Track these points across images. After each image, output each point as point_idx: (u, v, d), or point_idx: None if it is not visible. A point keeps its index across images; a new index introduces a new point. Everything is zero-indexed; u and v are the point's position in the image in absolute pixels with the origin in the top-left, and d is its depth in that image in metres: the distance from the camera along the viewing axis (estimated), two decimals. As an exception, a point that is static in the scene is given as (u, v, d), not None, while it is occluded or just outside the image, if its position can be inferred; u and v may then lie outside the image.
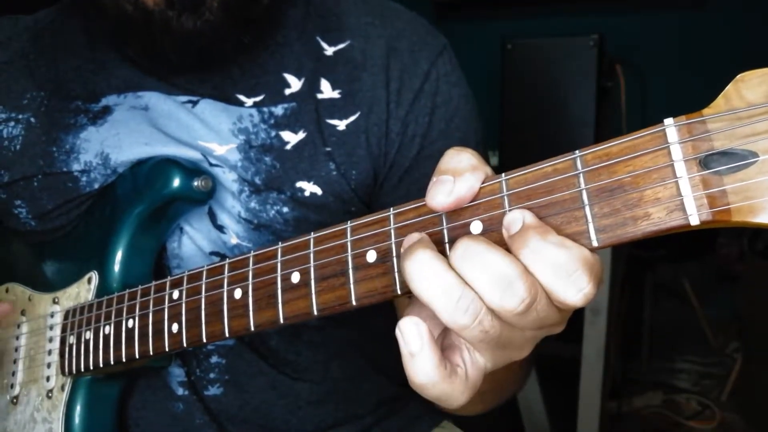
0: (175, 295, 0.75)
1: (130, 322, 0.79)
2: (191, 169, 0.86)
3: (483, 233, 0.52)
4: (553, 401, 2.48)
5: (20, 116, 0.96)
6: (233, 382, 0.94)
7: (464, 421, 1.09)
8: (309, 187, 0.89)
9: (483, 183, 0.53)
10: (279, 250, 0.65)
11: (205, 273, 0.72)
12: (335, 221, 0.62)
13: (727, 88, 0.43)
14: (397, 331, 0.51)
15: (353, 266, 0.59)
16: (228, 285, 0.69)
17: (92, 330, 0.84)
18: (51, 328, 0.92)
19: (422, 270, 0.49)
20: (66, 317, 0.89)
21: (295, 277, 0.63)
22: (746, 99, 0.42)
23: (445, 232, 0.54)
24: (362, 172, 0.91)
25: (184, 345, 0.73)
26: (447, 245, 0.54)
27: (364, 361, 1.02)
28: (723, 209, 0.43)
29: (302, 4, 0.96)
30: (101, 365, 0.82)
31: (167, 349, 0.75)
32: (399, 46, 0.93)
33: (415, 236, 0.54)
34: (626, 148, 0.47)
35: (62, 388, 0.88)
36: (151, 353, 0.77)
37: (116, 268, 0.87)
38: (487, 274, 0.48)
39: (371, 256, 0.58)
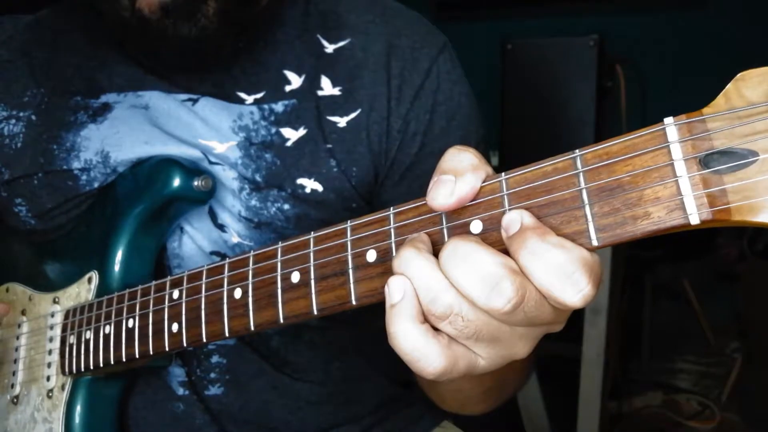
0: (176, 294, 0.75)
1: (131, 322, 0.79)
2: (191, 169, 0.86)
3: (483, 233, 0.52)
4: (553, 401, 2.48)
5: (21, 114, 0.96)
6: (234, 382, 0.94)
7: (464, 421, 1.09)
8: (310, 184, 0.89)
9: (483, 182, 0.53)
10: (279, 250, 0.65)
11: (205, 273, 0.72)
12: (336, 218, 0.62)
13: (727, 87, 0.43)
14: (386, 287, 0.52)
15: (353, 266, 0.59)
16: (228, 284, 0.69)
17: (92, 330, 0.84)
18: (51, 327, 0.92)
19: (403, 267, 0.51)
20: (66, 317, 0.89)
21: (295, 277, 0.63)
22: (746, 98, 0.42)
23: (445, 231, 0.54)
24: (363, 169, 0.91)
25: (185, 345, 0.73)
26: (447, 245, 0.54)
27: (365, 362, 1.02)
28: (723, 208, 0.43)
29: (302, 2, 0.96)
30: (101, 365, 0.82)
31: (167, 349, 0.75)
32: (399, 43, 0.93)
33: (413, 236, 0.55)
34: (626, 147, 0.47)
35: (62, 387, 0.88)
36: (152, 353, 0.77)
37: (116, 267, 0.87)
38: (473, 274, 0.48)
39: (371, 256, 0.58)
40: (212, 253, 0.91)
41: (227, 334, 0.69)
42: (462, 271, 0.48)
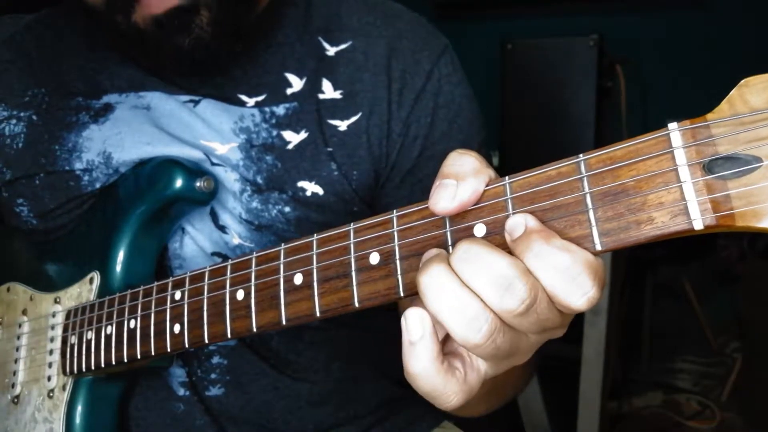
0: (177, 295, 0.75)
1: (132, 323, 0.79)
2: (194, 170, 0.86)
3: (486, 236, 0.52)
4: (553, 401, 2.48)
5: (22, 114, 0.96)
6: (234, 383, 0.94)
7: (464, 421, 1.10)
8: (310, 187, 0.89)
9: (487, 186, 0.53)
10: (282, 252, 0.65)
11: (207, 274, 0.72)
12: (337, 221, 0.62)
13: (731, 92, 0.43)
14: (402, 320, 0.51)
15: (356, 268, 0.59)
16: (230, 286, 0.69)
17: (94, 330, 0.84)
18: (52, 327, 0.92)
19: (436, 286, 0.49)
20: (67, 317, 0.89)
21: (298, 279, 0.63)
22: (750, 104, 0.42)
23: (449, 234, 0.54)
24: (363, 173, 0.91)
25: (186, 345, 0.73)
26: (450, 248, 0.54)
27: (366, 362, 1.02)
28: (727, 214, 0.43)
29: (303, 4, 0.96)
30: (103, 365, 0.82)
31: (169, 350, 0.75)
32: (400, 46, 0.93)
33: (433, 251, 0.54)
34: (630, 152, 0.47)
35: (63, 388, 0.88)
36: (153, 353, 0.77)
37: (118, 268, 0.87)
38: (486, 275, 0.48)
39: (374, 258, 0.58)
40: (213, 254, 0.91)
41: (229, 336, 0.69)
42: (473, 274, 0.48)
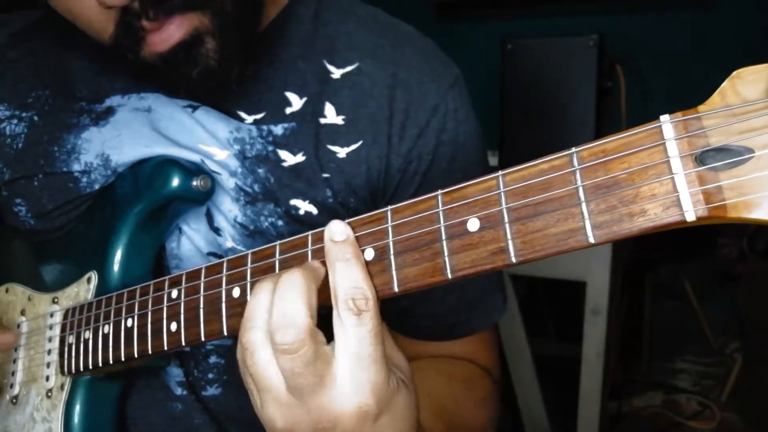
0: (174, 294, 0.75)
1: (129, 322, 0.79)
2: (191, 169, 0.86)
3: (480, 230, 0.52)
4: (553, 401, 2.48)
5: (23, 114, 0.96)
6: (232, 383, 0.94)
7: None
8: (304, 206, 0.88)
9: (479, 180, 0.53)
10: (277, 249, 0.66)
11: (203, 272, 0.72)
12: None
13: (723, 84, 0.43)
14: None
15: None
16: (226, 284, 0.69)
17: (91, 329, 0.84)
18: (50, 327, 0.92)
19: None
20: (65, 317, 0.89)
21: (293, 276, 0.63)
22: (742, 95, 0.42)
23: (443, 230, 0.54)
24: (360, 201, 0.90)
25: (183, 344, 0.73)
26: (444, 242, 0.54)
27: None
28: (719, 205, 0.43)
29: (309, 21, 0.93)
30: (100, 364, 0.82)
31: (166, 348, 0.75)
32: (407, 77, 0.90)
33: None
34: (622, 144, 0.47)
35: (62, 387, 0.88)
36: (150, 352, 0.77)
37: (115, 267, 0.87)
38: None
39: (368, 255, 0.59)
40: (209, 254, 0.91)
41: (225, 333, 0.69)
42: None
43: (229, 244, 0.90)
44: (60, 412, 0.87)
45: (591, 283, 2.21)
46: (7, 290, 1.02)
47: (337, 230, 0.60)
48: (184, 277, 0.74)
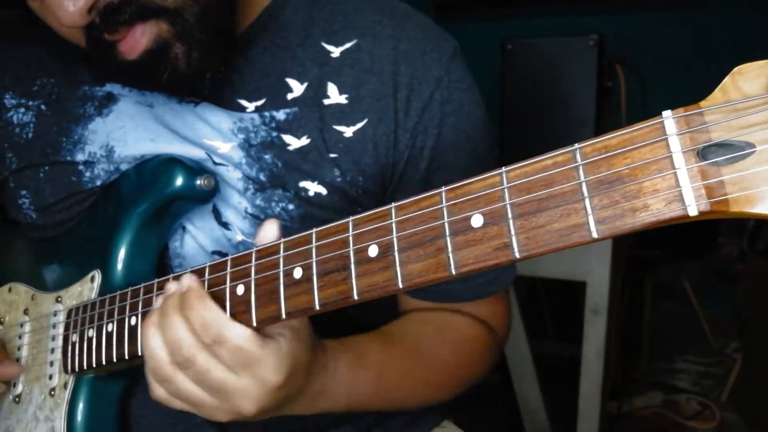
0: (178, 291, 0.75)
1: (133, 320, 0.79)
2: (194, 168, 0.86)
3: (483, 226, 0.53)
4: (553, 401, 2.48)
5: (30, 103, 0.96)
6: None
7: (464, 421, 1.10)
8: (313, 187, 0.89)
9: (482, 176, 0.54)
10: (281, 246, 0.66)
11: (207, 269, 0.72)
12: (342, 218, 0.62)
13: (724, 80, 0.44)
14: None
15: (355, 261, 0.60)
16: (231, 281, 0.70)
17: (95, 328, 0.84)
18: (54, 326, 0.92)
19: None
20: (69, 315, 0.90)
21: (298, 273, 0.63)
22: (743, 91, 0.43)
23: (446, 225, 0.55)
24: (369, 179, 0.90)
25: (187, 341, 0.74)
26: (448, 238, 0.54)
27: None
28: (721, 199, 0.43)
29: (304, 6, 0.93)
30: (104, 363, 0.82)
31: (170, 346, 0.75)
32: (409, 48, 0.90)
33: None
34: (625, 140, 0.47)
35: (65, 386, 0.88)
36: (154, 350, 0.77)
37: (119, 266, 0.87)
38: None
39: (373, 251, 0.59)
40: (214, 252, 0.91)
41: (228, 331, 0.69)
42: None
43: (239, 237, 0.90)
44: (63, 411, 0.88)
45: (591, 283, 2.21)
46: (10, 290, 1.02)
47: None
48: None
